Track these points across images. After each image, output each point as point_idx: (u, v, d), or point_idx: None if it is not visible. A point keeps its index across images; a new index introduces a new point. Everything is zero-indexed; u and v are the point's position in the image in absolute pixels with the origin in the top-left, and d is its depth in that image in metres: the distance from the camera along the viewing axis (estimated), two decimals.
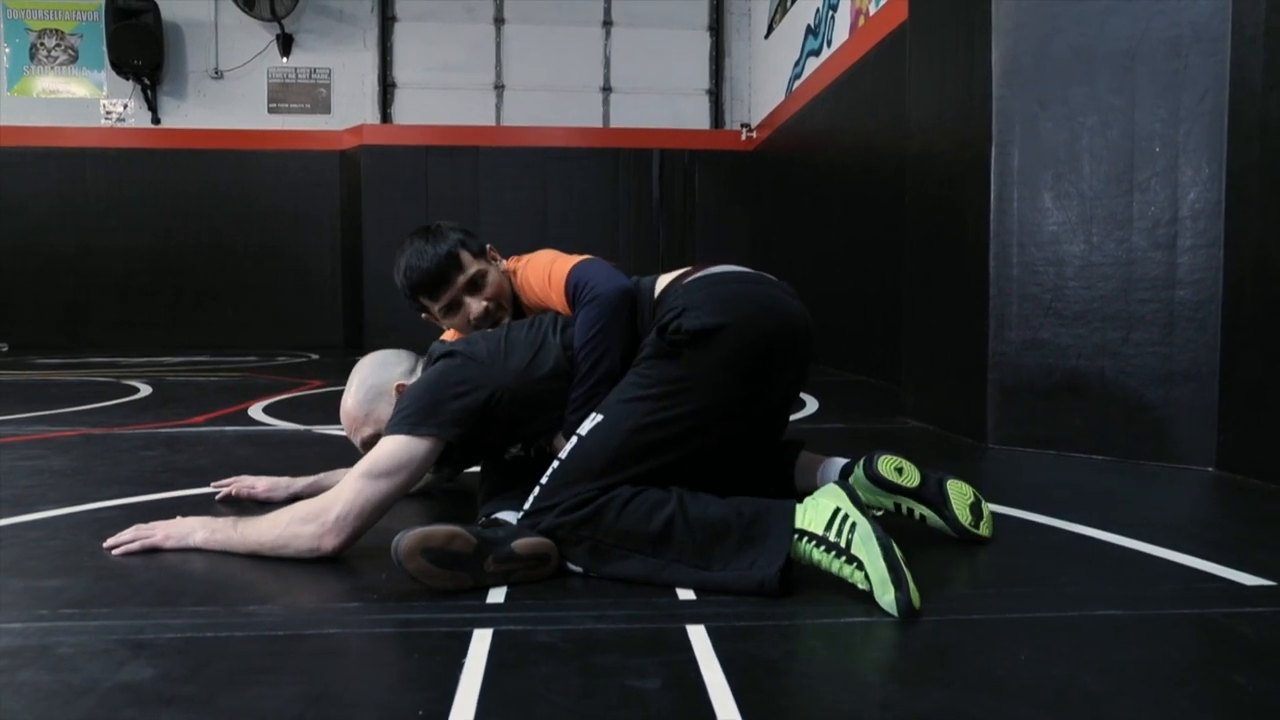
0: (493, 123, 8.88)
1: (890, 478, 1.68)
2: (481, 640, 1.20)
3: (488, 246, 1.91)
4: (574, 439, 1.53)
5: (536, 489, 1.50)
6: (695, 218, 8.74)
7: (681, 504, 1.43)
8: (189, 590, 1.41)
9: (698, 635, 1.22)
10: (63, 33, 8.72)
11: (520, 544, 1.41)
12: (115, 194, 8.67)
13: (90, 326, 8.70)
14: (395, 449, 1.52)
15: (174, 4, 8.55)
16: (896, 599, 1.27)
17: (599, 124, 8.95)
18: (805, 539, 1.38)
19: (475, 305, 1.82)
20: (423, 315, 1.92)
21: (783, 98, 7.65)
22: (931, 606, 1.32)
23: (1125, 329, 2.59)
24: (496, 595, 1.38)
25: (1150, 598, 1.40)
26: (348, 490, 1.50)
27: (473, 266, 1.83)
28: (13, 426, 3.23)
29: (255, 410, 3.73)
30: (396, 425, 1.54)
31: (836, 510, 1.37)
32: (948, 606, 1.34)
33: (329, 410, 3.80)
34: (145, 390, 4.54)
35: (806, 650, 1.20)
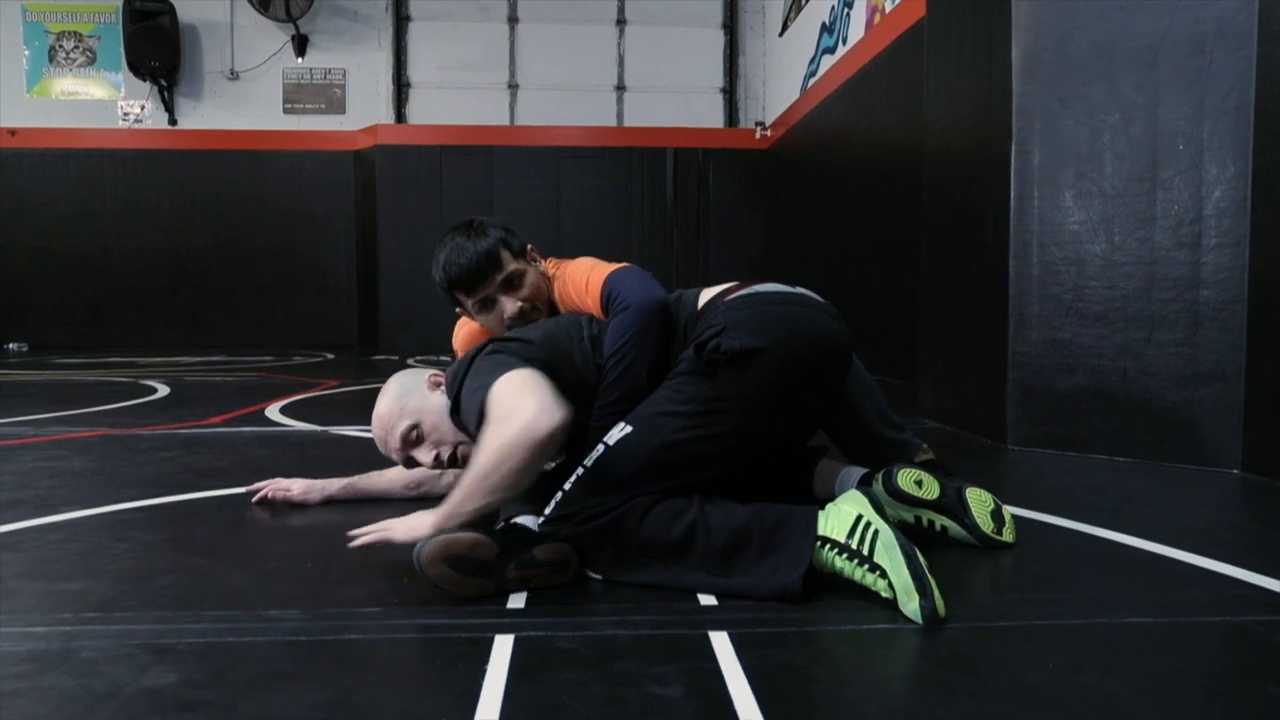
0: (507, 122, 8.88)
1: (910, 491, 1.66)
2: (503, 646, 1.19)
3: (529, 246, 1.89)
4: (600, 447, 1.51)
5: (559, 494, 1.49)
6: (709, 217, 8.72)
7: (703, 511, 1.42)
8: (210, 594, 1.41)
9: (720, 642, 1.21)
10: (81, 35, 8.79)
11: (541, 550, 1.41)
12: (133, 195, 8.73)
13: (108, 327, 8.77)
14: (510, 378, 1.44)
15: (190, 5, 8.61)
16: (921, 607, 1.26)
17: (613, 123, 8.94)
18: (828, 546, 1.37)
19: (510, 305, 1.81)
20: (457, 310, 1.92)
21: (797, 96, 7.62)
22: (957, 613, 1.30)
23: (1148, 329, 2.56)
24: (517, 601, 1.37)
25: (1180, 604, 1.38)
26: (511, 393, 1.40)
27: (511, 265, 1.81)
28: (33, 427, 3.26)
29: (272, 411, 3.74)
30: (489, 381, 1.45)
31: (859, 517, 1.36)
32: (973, 613, 1.32)
33: (345, 410, 3.81)
34: (163, 390, 4.57)
35: (831, 657, 1.19)
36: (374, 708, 1.03)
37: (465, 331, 2.02)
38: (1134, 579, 1.52)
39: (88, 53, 8.80)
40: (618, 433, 1.51)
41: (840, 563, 1.35)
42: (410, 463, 1.69)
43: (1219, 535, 1.80)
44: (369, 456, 2.57)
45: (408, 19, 8.88)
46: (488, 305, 1.83)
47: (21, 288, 8.69)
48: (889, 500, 1.67)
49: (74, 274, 8.73)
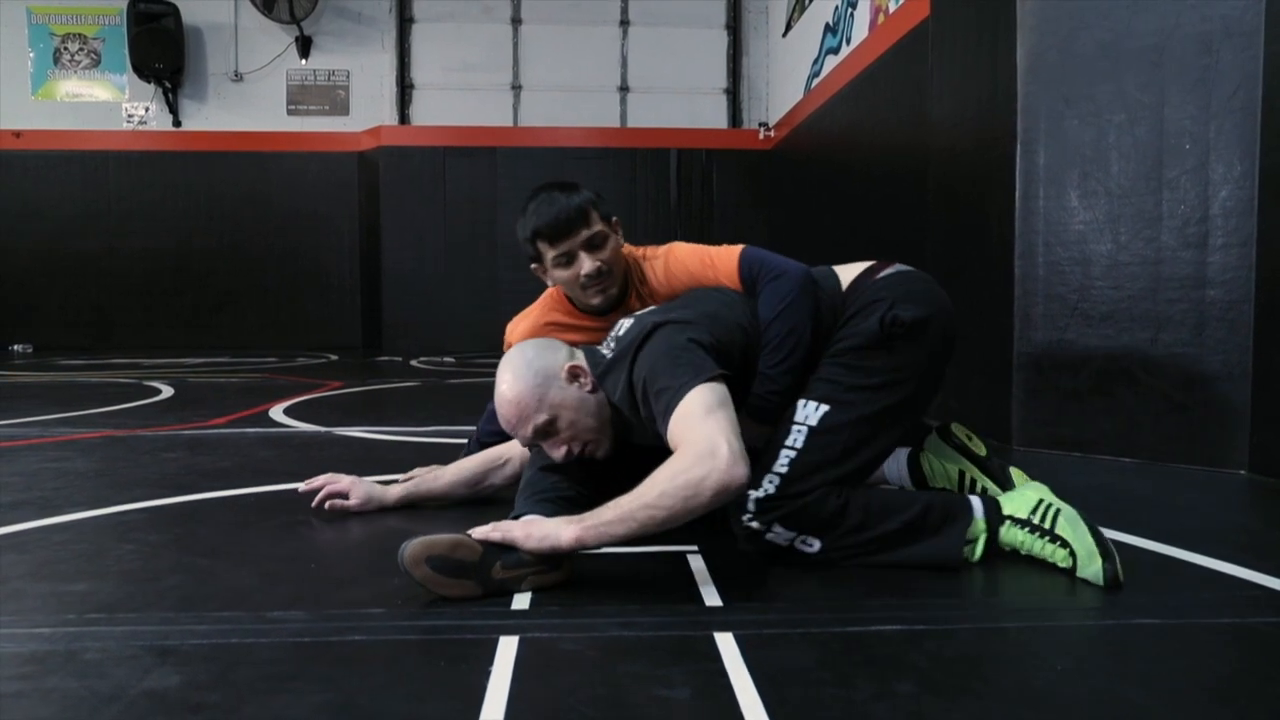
0: (510, 123, 8.88)
1: (962, 440, 1.83)
2: (508, 648, 1.19)
3: (614, 218, 1.92)
4: (801, 428, 1.55)
5: (775, 479, 1.51)
6: (713, 217, 8.71)
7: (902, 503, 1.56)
8: (213, 595, 1.41)
9: (726, 643, 1.20)
10: (85, 37, 8.80)
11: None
12: (137, 197, 8.74)
13: (113, 328, 8.78)
14: (704, 395, 1.41)
15: (194, 7, 8.61)
16: (1104, 569, 1.40)
17: (616, 124, 8.93)
18: (1009, 523, 1.54)
19: (589, 263, 1.82)
20: (532, 265, 1.90)
21: (801, 96, 7.61)
22: (964, 614, 1.30)
23: (1154, 329, 2.54)
24: (521, 601, 1.37)
25: (1189, 606, 1.37)
26: (711, 426, 1.36)
27: (598, 225, 1.84)
28: (39, 428, 3.26)
29: (276, 412, 3.74)
30: (680, 386, 1.42)
31: (1040, 500, 1.54)
32: (980, 614, 1.32)
33: (349, 411, 3.81)
34: (167, 392, 4.57)
35: (837, 659, 1.18)
36: (378, 709, 1.03)
37: (521, 330, 1.99)
38: (1141, 580, 1.51)
39: (92, 55, 8.82)
40: (815, 411, 1.56)
41: (1022, 536, 1.52)
42: (533, 447, 1.68)
43: (1226, 536, 1.79)
44: (373, 457, 2.57)
45: (411, 20, 8.88)
46: (568, 260, 1.83)
47: (26, 289, 8.70)
48: (939, 447, 1.83)
49: (78, 275, 8.73)
